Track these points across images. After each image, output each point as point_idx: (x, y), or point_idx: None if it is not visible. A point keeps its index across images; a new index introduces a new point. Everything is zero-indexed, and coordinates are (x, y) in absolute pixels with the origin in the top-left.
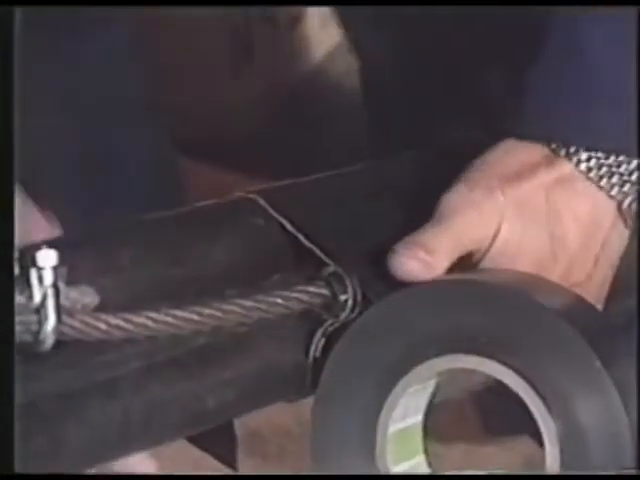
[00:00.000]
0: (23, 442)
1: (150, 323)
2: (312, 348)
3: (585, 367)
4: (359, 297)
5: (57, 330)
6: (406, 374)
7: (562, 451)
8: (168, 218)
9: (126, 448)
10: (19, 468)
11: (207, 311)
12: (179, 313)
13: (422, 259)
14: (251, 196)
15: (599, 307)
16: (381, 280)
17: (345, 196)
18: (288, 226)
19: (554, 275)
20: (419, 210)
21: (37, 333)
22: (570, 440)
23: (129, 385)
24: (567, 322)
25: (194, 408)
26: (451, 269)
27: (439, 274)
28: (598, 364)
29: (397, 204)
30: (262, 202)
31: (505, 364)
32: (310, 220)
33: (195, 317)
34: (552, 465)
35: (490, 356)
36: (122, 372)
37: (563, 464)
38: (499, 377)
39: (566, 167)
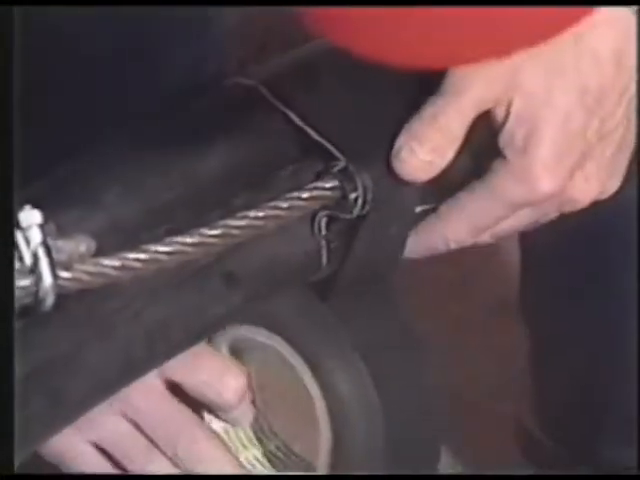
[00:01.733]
0: (22, 405)
1: (155, 256)
2: (323, 246)
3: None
4: (369, 196)
5: (56, 286)
6: None
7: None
8: (153, 129)
9: (129, 380)
10: (18, 432)
11: (216, 231)
12: (186, 239)
13: (422, 159)
14: (249, 83)
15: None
16: (393, 176)
17: (356, 73)
18: (294, 118)
19: (589, 129)
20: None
21: (36, 294)
22: (335, 410)
23: (128, 317)
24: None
25: (198, 321)
26: (473, 129)
27: (449, 159)
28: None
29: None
30: (264, 91)
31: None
32: (317, 107)
33: (205, 240)
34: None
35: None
36: (120, 304)
37: (334, 435)
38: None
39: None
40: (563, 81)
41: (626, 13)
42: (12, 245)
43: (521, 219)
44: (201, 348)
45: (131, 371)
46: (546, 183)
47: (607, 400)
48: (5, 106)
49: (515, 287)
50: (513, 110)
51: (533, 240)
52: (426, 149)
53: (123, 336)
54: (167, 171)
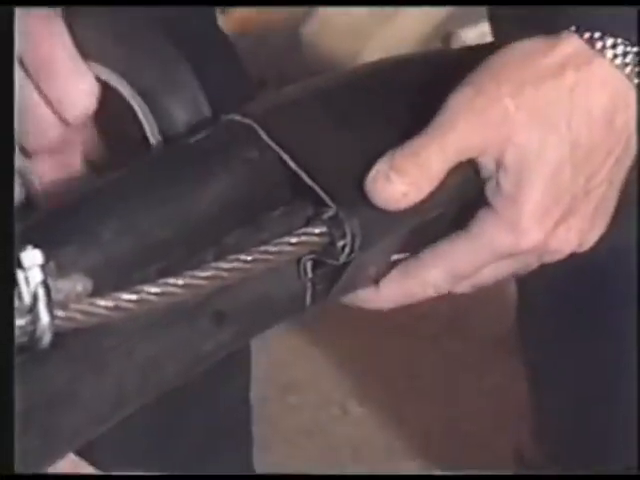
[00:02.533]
0: (18, 440)
1: (147, 297)
2: (308, 289)
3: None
4: (357, 244)
5: (52, 326)
6: None
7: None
8: (149, 167)
9: (120, 414)
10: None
11: (207, 273)
12: (179, 281)
13: (398, 190)
14: (246, 122)
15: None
16: (382, 223)
17: (351, 112)
18: (288, 160)
19: (576, 184)
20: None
21: (33, 333)
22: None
23: (122, 354)
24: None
25: (189, 357)
26: (452, 176)
27: (424, 194)
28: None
29: (408, 115)
30: (259, 130)
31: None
32: (311, 149)
33: (196, 282)
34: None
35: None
36: (114, 342)
37: None
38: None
39: (600, 64)
40: (556, 136)
41: (620, 75)
42: (13, 284)
43: (501, 269)
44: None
45: (123, 405)
46: (533, 235)
47: (607, 430)
48: (5, 106)
49: (511, 322)
50: (505, 162)
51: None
52: (403, 181)
53: (116, 372)
54: (162, 208)
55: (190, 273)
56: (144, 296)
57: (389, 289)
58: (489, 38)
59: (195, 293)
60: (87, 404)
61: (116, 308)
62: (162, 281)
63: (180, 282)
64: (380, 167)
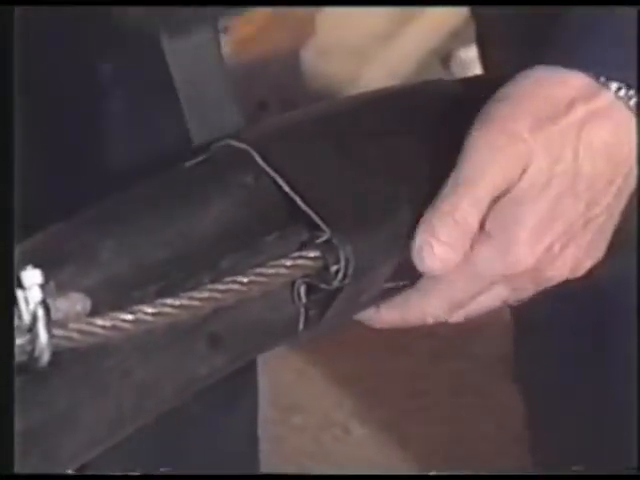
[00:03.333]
0: (18, 463)
1: (145, 317)
2: (301, 313)
3: None
4: (350, 270)
5: (51, 345)
6: None
7: None
8: (147, 190)
9: (118, 435)
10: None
11: (203, 295)
12: (175, 302)
13: (440, 255)
14: (242, 146)
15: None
16: (377, 250)
17: (349, 138)
18: (283, 185)
19: (575, 213)
20: (435, 158)
21: (32, 352)
22: None
23: (120, 375)
24: None
25: (186, 379)
26: None
27: (466, 249)
28: None
29: (409, 144)
30: (255, 155)
31: None
32: (306, 174)
33: (192, 303)
34: None
35: None
36: (112, 363)
37: None
38: None
39: (605, 97)
40: (562, 167)
41: (623, 107)
42: (13, 304)
43: (496, 296)
44: None
45: (120, 427)
46: (525, 258)
47: (606, 460)
48: (5, 106)
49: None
50: (512, 190)
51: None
52: (446, 249)
53: (114, 394)
54: (160, 230)
55: (187, 294)
56: (141, 316)
57: (389, 314)
58: None
59: (192, 314)
60: (86, 425)
61: (114, 328)
62: (159, 301)
63: (177, 303)
64: (422, 238)
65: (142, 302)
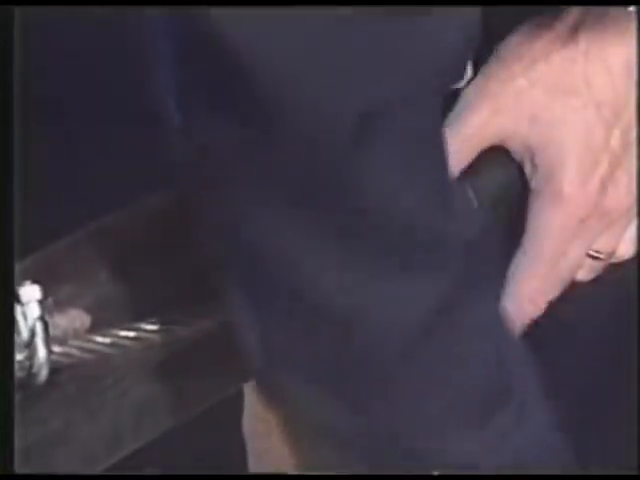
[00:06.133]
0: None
1: (145, 335)
2: None
3: None
4: None
5: (49, 361)
6: None
7: None
8: (146, 214)
9: (116, 455)
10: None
11: (204, 312)
12: (175, 319)
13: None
14: None
15: None
16: None
17: None
18: None
19: (613, 141)
20: None
21: (30, 368)
22: None
23: (117, 395)
24: None
25: (181, 401)
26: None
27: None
28: None
29: None
30: None
31: None
32: None
33: (193, 319)
34: None
35: None
36: (110, 382)
37: None
38: None
39: (612, 12)
40: (577, 99)
41: (634, 25)
42: (12, 320)
43: (581, 247)
44: None
45: (118, 447)
46: (579, 199)
47: (606, 460)
48: (5, 107)
49: None
50: (531, 141)
51: None
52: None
53: (111, 414)
54: (160, 250)
55: (186, 312)
56: (141, 334)
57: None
58: None
59: (192, 332)
60: (82, 445)
61: (113, 345)
62: (158, 319)
63: (176, 320)
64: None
65: (141, 320)
